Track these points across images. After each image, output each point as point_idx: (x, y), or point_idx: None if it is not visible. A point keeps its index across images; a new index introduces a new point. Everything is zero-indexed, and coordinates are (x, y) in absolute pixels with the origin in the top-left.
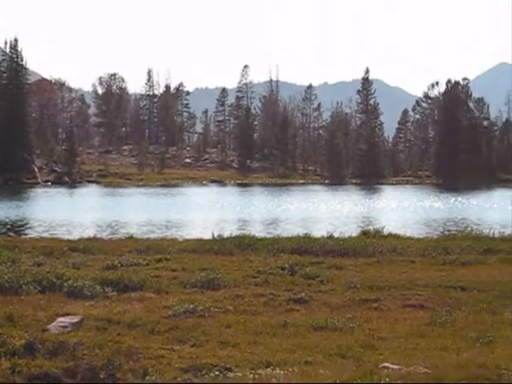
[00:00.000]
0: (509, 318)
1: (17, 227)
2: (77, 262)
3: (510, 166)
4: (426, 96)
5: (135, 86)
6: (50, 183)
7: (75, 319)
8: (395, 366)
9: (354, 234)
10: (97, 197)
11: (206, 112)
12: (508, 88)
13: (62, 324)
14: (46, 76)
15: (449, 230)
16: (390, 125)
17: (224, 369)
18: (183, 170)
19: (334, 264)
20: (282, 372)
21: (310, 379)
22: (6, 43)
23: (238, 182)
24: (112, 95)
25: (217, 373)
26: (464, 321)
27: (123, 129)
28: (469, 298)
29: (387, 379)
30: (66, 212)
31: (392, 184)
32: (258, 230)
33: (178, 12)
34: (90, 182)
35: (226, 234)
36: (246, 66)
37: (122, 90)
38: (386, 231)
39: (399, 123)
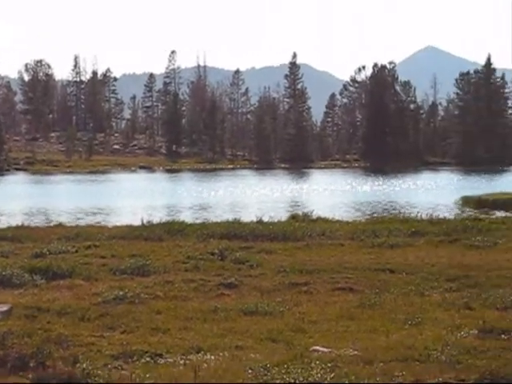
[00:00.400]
0: (436, 299)
1: None
2: (5, 250)
3: (437, 148)
4: (353, 80)
5: (62, 72)
6: None
7: (4, 308)
8: (325, 349)
9: (283, 219)
10: (25, 184)
11: (133, 98)
12: (434, 71)
13: None
14: None
15: (377, 213)
16: (317, 109)
17: (155, 355)
18: (111, 157)
19: (263, 248)
20: (212, 357)
21: (241, 363)
22: None
23: (167, 167)
24: (38, 82)
25: (147, 359)
26: (393, 303)
27: (50, 116)
28: (397, 281)
29: (317, 362)
30: None
31: (320, 168)
32: (187, 216)
33: None
34: (17, 169)
35: (155, 220)
36: (173, 52)
37: (49, 76)
38: (314, 215)
39: (327, 107)
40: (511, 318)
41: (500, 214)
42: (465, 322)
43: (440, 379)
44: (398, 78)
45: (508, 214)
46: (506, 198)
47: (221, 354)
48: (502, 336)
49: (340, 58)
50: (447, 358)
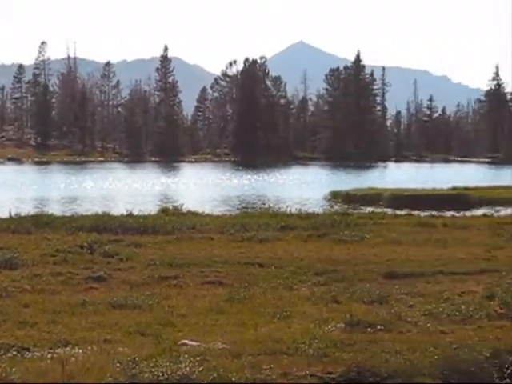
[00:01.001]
0: (305, 293)
1: None
2: None
3: (307, 143)
4: (225, 74)
5: None
6: None
7: None
8: (194, 343)
9: (153, 212)
10: None
11: (2, 89)
12: (305, 67)
13: None
14: None
15: (247, 207)
16: (188, 103)
17: (21, 348)
18: None
19: (133, 242)
20: (80, 351)
21: (109, 357)
22: None
23: (36, 160)
24: None
25: (14, 353)
26: (262, 297)
27: None
28: (266, 275)
29: (186, 355)
30: None
31: (191, 162)
32: (55, 209)
33: None
34: None
35: (23, 213)
36: (43, 43)
37: None
38: (184, 208)
39: (198, 101)
40: (377, 311)
41: (367, 209)
42: (332, 315)
43: (307, 372)
44: (268, 72)
45: (375, 209)
46: (373, 193)
47: (89, 347)
48: (368, 329)
49: (211, 51)
50: (315, 351)
